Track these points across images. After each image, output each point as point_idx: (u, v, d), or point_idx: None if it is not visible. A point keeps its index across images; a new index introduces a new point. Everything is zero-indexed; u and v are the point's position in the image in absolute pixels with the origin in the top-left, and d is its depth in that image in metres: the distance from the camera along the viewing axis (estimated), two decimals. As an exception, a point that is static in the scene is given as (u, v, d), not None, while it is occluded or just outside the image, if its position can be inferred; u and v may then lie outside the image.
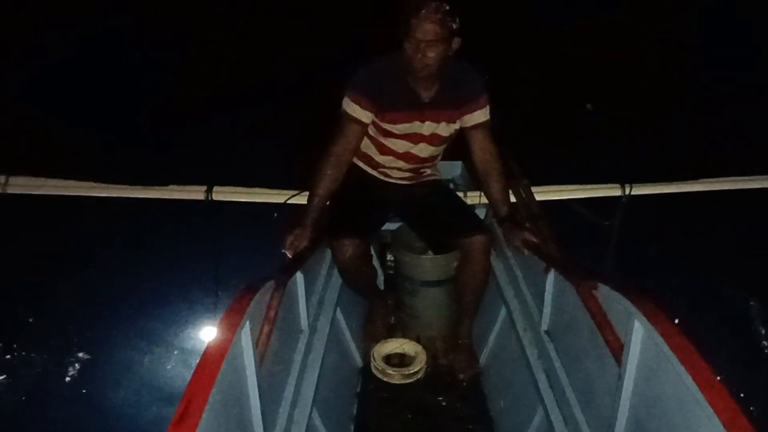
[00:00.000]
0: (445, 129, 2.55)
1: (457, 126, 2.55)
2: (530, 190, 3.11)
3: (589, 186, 3.54)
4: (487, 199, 2.68)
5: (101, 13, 9.40)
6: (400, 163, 2.65)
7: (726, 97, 7.59)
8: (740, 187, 3.58)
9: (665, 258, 4.87)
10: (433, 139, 2.58)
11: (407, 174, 2.71)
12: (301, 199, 3.32)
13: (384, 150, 2.61)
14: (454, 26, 2.22)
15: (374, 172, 2.72)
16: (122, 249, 5.18)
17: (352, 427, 2.68)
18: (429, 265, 3.03)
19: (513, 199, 2.99)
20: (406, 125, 2.49)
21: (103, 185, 3.55)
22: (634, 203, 3.47)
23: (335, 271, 2.73)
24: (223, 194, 3.46)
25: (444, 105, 2.47)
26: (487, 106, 2.52)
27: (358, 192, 2.64)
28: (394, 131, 2.51)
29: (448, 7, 2.18)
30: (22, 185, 3.54)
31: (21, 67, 8.10)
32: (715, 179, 3.60)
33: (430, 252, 3.08)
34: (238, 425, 1.44)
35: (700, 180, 3.59)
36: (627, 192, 3.46)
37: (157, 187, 3.53)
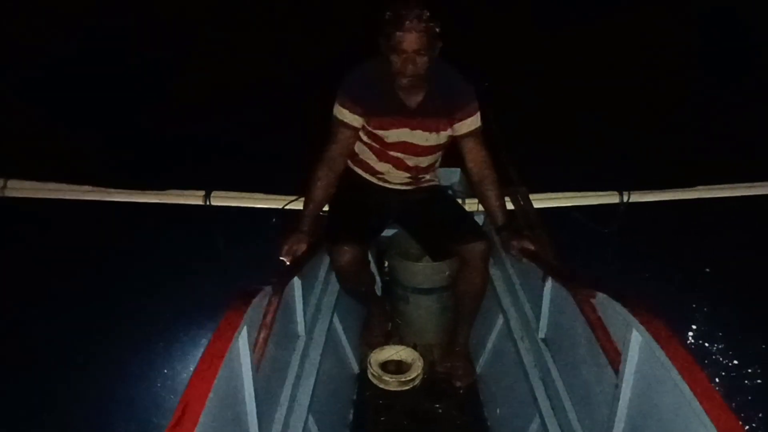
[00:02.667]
0: (436, 138, 2.54)
1: (448, 134, 2.55)
2: (528, 198, 3.11)
3: (587, 193, 3.54)
4: (483, 207, 2.68)
5: (101, 13, 9.42)
6: (398, 171, 2.65)
7: (725, 103, 7.61)
8: (738, 194, 3.58)
9: (663, 266, 4.87)
10: (426, 148, 2.58)
11: (406, 180, 2.71)
12: (300, 204, 3.32)
13: (381, 157, 2.61)
14: (437, 30, 2.23)
15: (373, 179, 2.73)
16: (120, 253, 5.16)
17: None
18: (425, 272, 3.03)
19: (511, 206, 3.00)
20: (396, 131, 2.49)
21: (101, 189, 3.55)
22: (633, 210, 3.47)
23: (333, 277, 2.73)
24: (222, 199, 3.46)
25: (433, 113, 2.47)
26: (478, 113, 2.52)
27: (357, 198, 2.64)
28: (386, 138, 2.51)
29: (428, 14, 2.18)
30: (20, 189, 3.53)
31: (20, 68, 8.11)
32: (713, 186, 3.60)
33: (426, 259, 3.09)
34: (234, 431, 1.44)
35: (698, 187, 3.59)
36: (625, 199, 3.46)
37: (155, 192, 3.53)
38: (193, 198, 3.46)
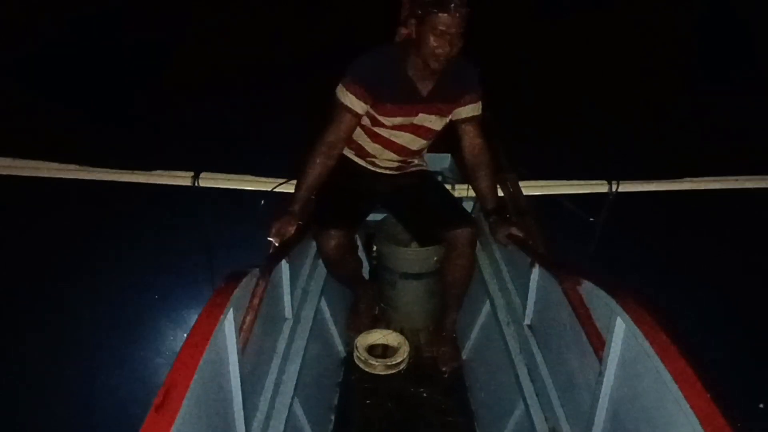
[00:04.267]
0: (437, 122, 2.54)
1: (448, 119, 2.55)
2: (518, 185, 3.12)
3: (576, 182, 3.55)
4: (475, 192, 2.68)
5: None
6: (390, 154, 2.64)
7: (716, 96, 7.64)
8: (726, 187, 3.61)
9: (650, 255, 4.91)
10: (425, 132, 2.57)
11: (395, 164, 2.71)
12: (289, 187, 3.31)
13: (376, 139, 2.59)
14: (471, 19, 2.21)
15: (362, 162, 2.71)
16: (106, 233, 5.14)
17: (333, 417, 2.68)
18: (413, 257, 3.03)
19: (501, 193, 3.00)
20: (401, 118, 2.48)
21: (87, 168, 3.52)
22: (621, 200, 3.49)
23: (321, 261, 2.73)
24: (210, 180, 3.44)
25: (439, 99, 2.47)
26: (480, 101, 2.53)
27: (344, 182, 2.63)
28: (388, 123, 2.50)
29: None
30: (6, 166, 3.49)
31: (10, 47, 8.00)
32: (701, 179, 3.62)
33: (414, 244, 3.09)
34: (218, 413, 1.44)
35: (686, 179, 3.61)
36: (614, 189, 3.48)
37: (143, 172, 3.51)
38: (181, 179, 3.44)
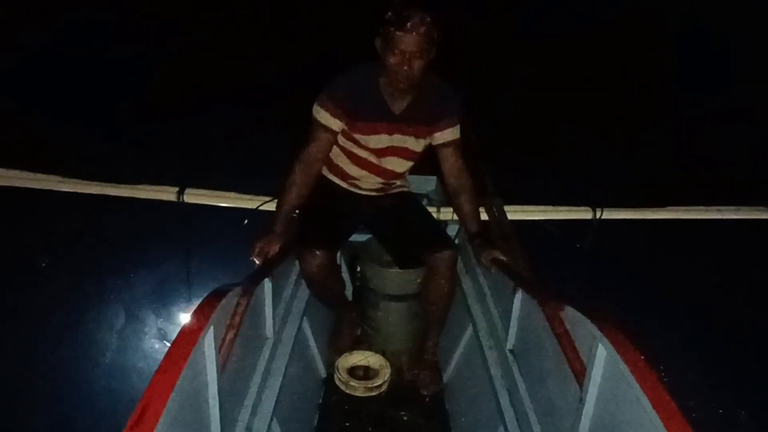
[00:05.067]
0: (414, 144, 2.55)
1: (427, 142, 2.55)
2: (503, 209, 3.13)
3: (561, 208, 3.58)
4: (458, 215, 2.69)
5: (81, 5, 9.28)
6: (372, 177, 2.65)
7: (699, 123, 7.76)
8: (708, 218, 3.65)
9: (632, 282, 4.94)
10: (403, 153, 2.58)
11: (377, 186, 2.71)
12: (273, 205, 3.31)
13: (355, 161, 2.60)
14: (436, 36, 2.23)
15: (344, 184, 2.72)
16: (89, 246, 5.08)
17: None
18: (395, 279, 3.02)
19: (485, 216, 3.01)
20: (376, 137, 2.49)
21: (72, 180, 3.49)
22: (605, 227, 3.52)
23: (303, 281, 2.72)
24: (195, 197, 3.43)
25: (415, 120, 2.47)
26: (458, 125, 2.53)
27: (327, 203, 2.63)
28: (363, 142, 2.51)
29: (430, 19, 2.18)
30: (-9, 177, 3.46)
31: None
32: (683, 208, 3.67)
33: (397, 266, 3.09)
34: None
35: (669, 208, 3.65)
36: (598, 216, 3.51)
37: (128, 186, 3.49)
38: (166, 194, 3.43)
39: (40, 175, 3.52)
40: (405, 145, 2.54)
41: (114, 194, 3.48)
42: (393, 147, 2.53)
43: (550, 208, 3.57)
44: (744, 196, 3.81)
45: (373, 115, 2.44)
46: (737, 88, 8.80)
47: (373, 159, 2.58)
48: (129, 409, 1.08)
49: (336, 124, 2.44)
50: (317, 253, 2.41)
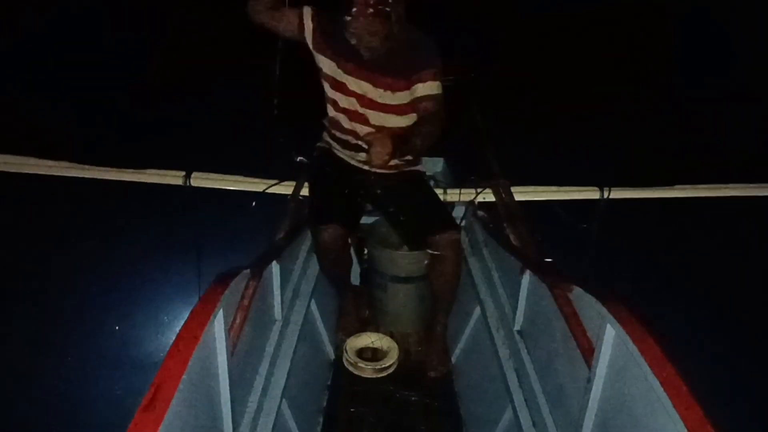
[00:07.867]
0: (391, 97, 2.48)
1: (408, 95, 2.47)
2: (510, 190, 3.13)
3: (568, 188, 3.56)
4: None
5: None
6: (367, 129, 2.56)
7: (706, 103, 7.69)
8: (716, 195, 3.63)
9: (640, 262, 4.93)
10: (383, 106, 2.51)
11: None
12: (281, 188, 3.31)
13: (341, 110, 2.57)
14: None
15: (353, 162, 2.68)
16: (98, 231, 5.10)
17: (321, 419, 2.68)
18: (403, 261, 3.03)
19: (492, 198, 3.00)
20: (352, 79, 2.47)
21: (78, 166, 3.50)
22: (613, 207, 3.50)
23: (312, 263, 2.72)
24: (202, 180, 3.43)
25: (390, 71, 2.43)
26: (438, 80, 2.43)
27: (337, 178, 2.62)
28: (339, 78, 2.48)
29: None
30: (-3, 163, 3.47)
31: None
32: (691, 186, 3.65)
33: (405, 248, 3.08)
34: (206, 413, 1.43)
35: (677, 186, 3.63)
36: (605, 195, 3.49)
37: (134, 170, 3.49)
38: (172, 178, 3.43)
39: (46, 161, 3.53)
40: (380, 95, 2.49)
41: (120, 179, 3.48)
42: (371, 100, 2.49)
43: (558, 188, 3.55)
44: (753, 173, 3.77)
45: (342, 51, 2.43)
46: (748, 64, 8.70)
47: (358, 108, 2.53)
48: (140, 391, 1.09)
49: (307, 27, 2.43)
50: (333, 226, 2.40)
